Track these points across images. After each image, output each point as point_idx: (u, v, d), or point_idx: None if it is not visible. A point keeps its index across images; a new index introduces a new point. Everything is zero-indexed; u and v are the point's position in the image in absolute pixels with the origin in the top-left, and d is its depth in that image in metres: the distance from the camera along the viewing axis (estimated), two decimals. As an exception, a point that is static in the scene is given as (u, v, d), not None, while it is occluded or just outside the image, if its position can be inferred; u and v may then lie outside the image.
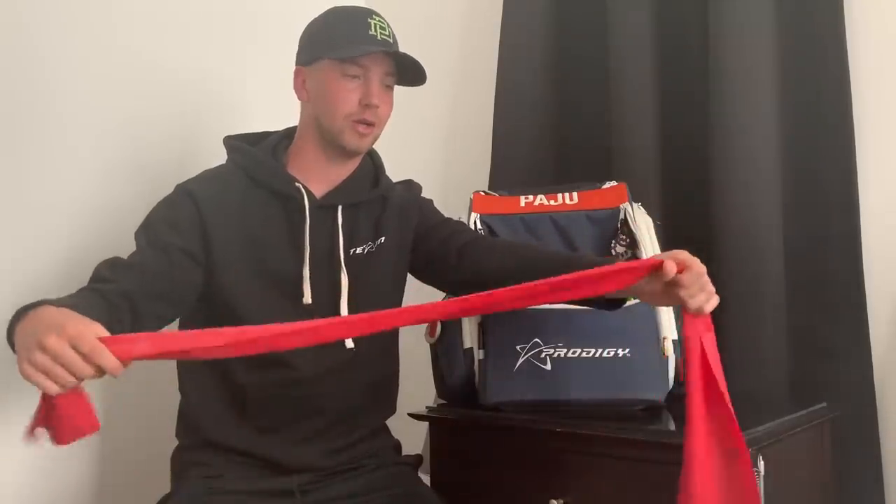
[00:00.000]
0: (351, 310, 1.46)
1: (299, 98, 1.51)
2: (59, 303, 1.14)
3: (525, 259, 1.47)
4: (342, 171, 1.53)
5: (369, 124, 1.46)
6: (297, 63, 1.52)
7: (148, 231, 1.43)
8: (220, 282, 1.44)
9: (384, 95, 1.47)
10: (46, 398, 1.05)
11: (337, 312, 1.46)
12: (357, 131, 1.46)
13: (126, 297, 1.29)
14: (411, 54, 1.47)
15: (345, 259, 1.49)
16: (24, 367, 1.03)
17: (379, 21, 1.46)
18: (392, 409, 1.60)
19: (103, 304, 1.25)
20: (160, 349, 1.09)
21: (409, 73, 1.49)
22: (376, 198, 1.56)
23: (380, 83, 1.46)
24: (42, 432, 1.08)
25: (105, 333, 1.04)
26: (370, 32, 1.44)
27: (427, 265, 1.57)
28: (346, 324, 1.32)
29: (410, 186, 1.63)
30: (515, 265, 1.44)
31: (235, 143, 1.54)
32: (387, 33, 1.46)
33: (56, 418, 1.06)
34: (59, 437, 1.09)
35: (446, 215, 1.63)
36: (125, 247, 1.47)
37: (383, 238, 1.53)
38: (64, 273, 1.62)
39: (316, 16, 1.51)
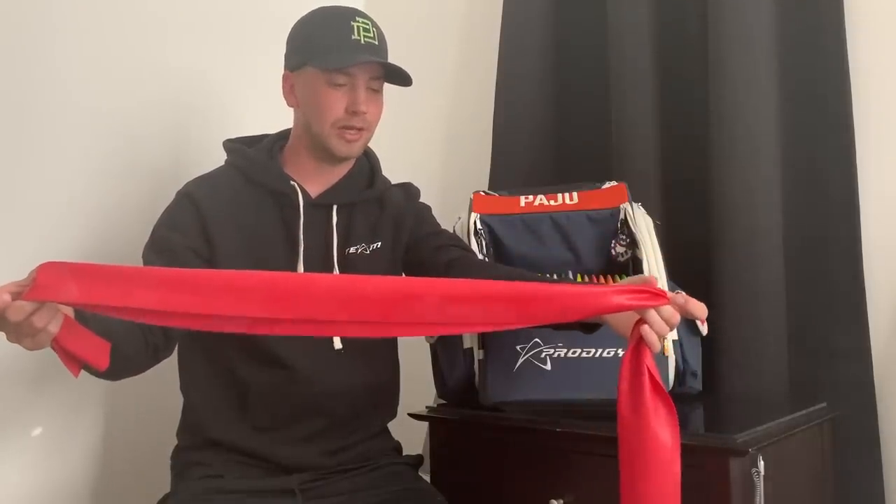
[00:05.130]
0: None
1: (288, 104, 1.52)
2: (93, 320, 1.16)
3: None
4: (336, 172, 1.53)
5: (358, 129, 1.46)
6: (285, 67, 1.51)
7: (154, 242, 1.45)
8: None
9: (371, 101, 1.46)
10: (53, 345, 1.08)
11: None
12: (345, 138, 1.45)
13: None
14: (410, 53, 1.47)
15: (339, 258, 1.49)
16: None
17: (363, 23, 1.44)
18: (392, 414, 1.60)
19: (131, 323, 1.27)
20: (90, 300, 1.04)
21: (396, 74, 1.48)
22: (373, 199, 1.56)
23: (366, 88, 1.45)
24: (76, 366, 1.11)
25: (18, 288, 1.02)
26: (353, 37, 1.42)
27: (414, 271, 1.56)
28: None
29: (409, 191, 1.62)
30: None
31: (233, 146, 1.55)
32: (371, 35, 1.44)
33: (72, 355, 1.10)
34: (96, 364, 1.14)
35: (447, 214, 1.63)
36: (123, 247, 1.47)
37: (379, 243, 1.53)
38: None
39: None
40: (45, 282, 1.00)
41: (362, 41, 1.43)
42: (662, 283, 1.55)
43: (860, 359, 1.68)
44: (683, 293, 1.19)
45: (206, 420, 1.48)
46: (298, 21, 1.50)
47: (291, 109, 1.53)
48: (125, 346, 1.27)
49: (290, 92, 1.51)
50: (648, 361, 1.14)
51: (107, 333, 1.16)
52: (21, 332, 1.04)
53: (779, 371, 1.72)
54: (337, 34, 1.43)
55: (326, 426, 1.48)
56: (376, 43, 1.45)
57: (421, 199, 1.64)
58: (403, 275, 1.57)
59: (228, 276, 1.10)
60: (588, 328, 1.39)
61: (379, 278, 1.16)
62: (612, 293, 1.13)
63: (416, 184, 1.65)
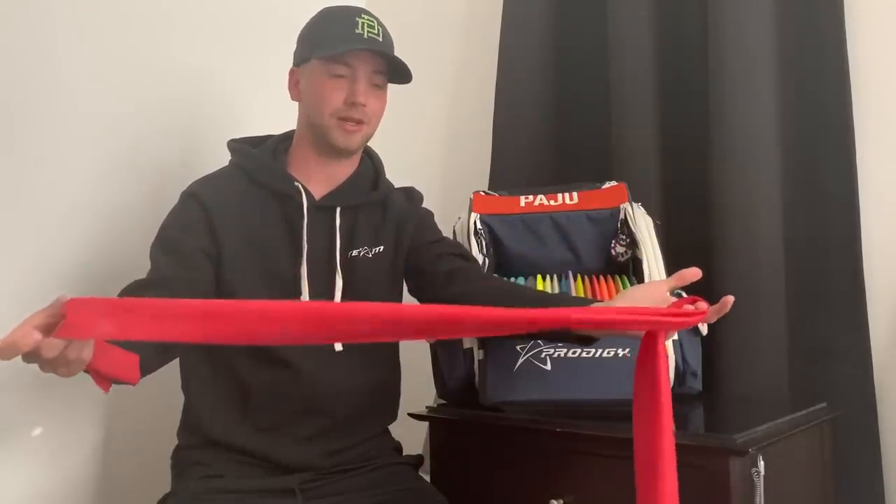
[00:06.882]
0: None
1: (292, 98, 1.53)
2: None
3: (512, 297, 1.43)
4: (340, 171, 1.53)
5: (357, 122, 1.46)
6: (293, 64, 1.53)
7: (162, 241, 1.45)
8: (228, 279, 1.45)
9: (372, 94, 1.47)
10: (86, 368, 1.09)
11: None
12: (344, 129, 1.46)
13: None
14: (410, 53, 1.47)
15: (342, 260, 1.49)
16: None
17: (367, 19, 1.47)
18: (393, 417, 1.60)
19: None
20: (124, 334, 1.03)
21: (398, 71, 1.49)
22: (376, 202, 1.56)
23: (367, 81, 1.46)
24: (107, 384, 1.13)
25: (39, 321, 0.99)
26: (357, 31, 1.44)
27: (414, 278, 1.56)
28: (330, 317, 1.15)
29: (412, 196, 1.62)
30: (500, 302, 1.42)
31: (237, 146, 1.56)
32: (375, 31, 1.46)
33: (106, 376, 1.11)
34: (128, 380, 1.18)
35: (447, 215, 1.63)
36: (128, 247, 1.46)
37: (382, 247, 1.54)
38: (65, 274, 1.62)
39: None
40: (76, 321, 0.97)
41: (365, 35, 1.45)
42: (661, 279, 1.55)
43: (860, 359, 1.68)
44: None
45: (207, 420, 1.48)
46: (308, 21, 1.52)
47: (296, 110, 1.53)
48: (144, 354, 1.26)
49: (295, 86, 1.53)
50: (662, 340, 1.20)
51: (129, 345, 1.16)
52: (55, 364, 1.02)
53: (779, 371, 1.72)
54: (341, 28, 1.45)
55: (327, 426, 1.48)
56: (380, 39, 1.46)
57: (423, 204, 1.64)
58: (404, 279, 1.58)
59: (265, 307, 1.08)
60: (586, 341, 1.39)
61: (378, 306, 1.17)
62: (659, 322, 1.19)
63: (416, 184, 1.65)
